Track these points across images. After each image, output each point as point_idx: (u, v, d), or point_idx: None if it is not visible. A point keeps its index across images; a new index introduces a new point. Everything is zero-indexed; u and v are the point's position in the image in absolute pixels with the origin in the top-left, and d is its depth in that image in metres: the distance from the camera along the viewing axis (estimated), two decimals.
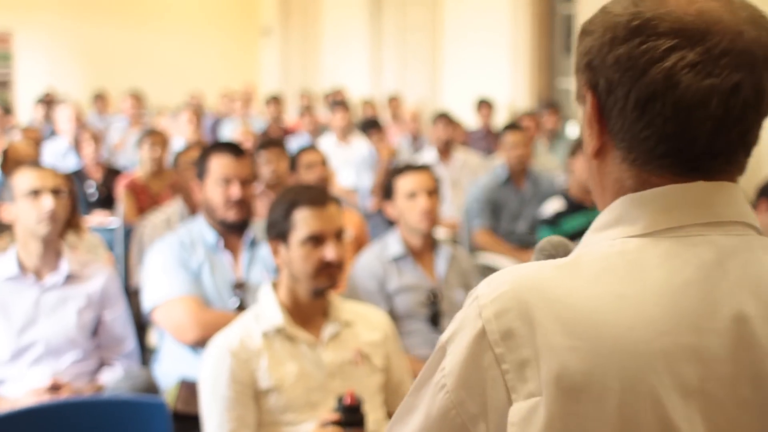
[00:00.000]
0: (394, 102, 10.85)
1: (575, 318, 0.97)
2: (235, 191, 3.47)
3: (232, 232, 3.54)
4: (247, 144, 6.30)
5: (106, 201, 6.38)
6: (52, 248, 3.36)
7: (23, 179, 3.31)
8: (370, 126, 7.71)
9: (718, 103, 1.00)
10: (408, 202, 3.77)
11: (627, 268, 1.01)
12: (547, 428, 0.95)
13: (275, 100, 10.07)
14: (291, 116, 12.18)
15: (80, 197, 6.08)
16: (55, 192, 3.32)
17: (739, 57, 1.00)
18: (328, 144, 8.23)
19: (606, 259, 1.03)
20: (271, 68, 16.33)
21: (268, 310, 2.69)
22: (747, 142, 1.06)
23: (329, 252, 2.68)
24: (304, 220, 2.69)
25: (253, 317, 2.69)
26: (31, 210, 3.26)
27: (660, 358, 0.97)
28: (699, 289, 1.00)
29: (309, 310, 2.74)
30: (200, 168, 3.56)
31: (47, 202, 3.26)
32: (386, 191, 3.86)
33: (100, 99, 12.21)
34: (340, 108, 8.38)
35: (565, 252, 1.27)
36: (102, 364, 3.42)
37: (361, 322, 2.82)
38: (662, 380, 0.96)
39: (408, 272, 3.79)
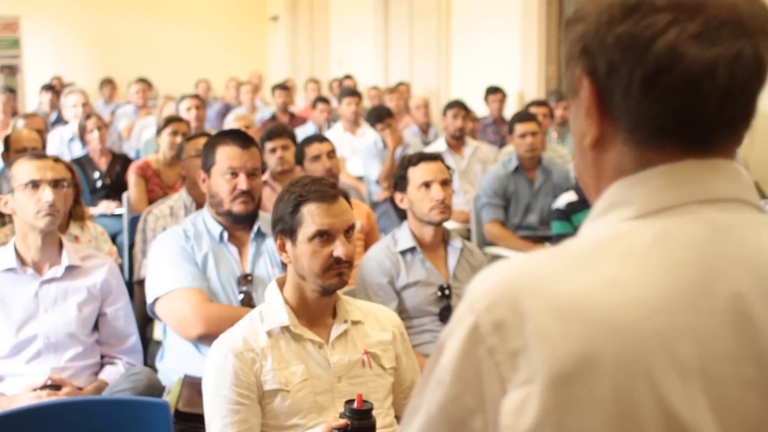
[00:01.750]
0: (402, 90, 10.72)
1: (566, 304, 0.95)
2: (242, 183, 3.37)
3: (239, 224, 3.44)
4: (249, 132, 6.16)
5: (112, 188, 6.29)
6: (52, 241, 3.28)
7: (22, 170, 3.22)
8: (383, 114, 7.54)
9: (724, 72, 0.99)
10: (421, 193, 3.66)
11: (619, 252, 0.99)
12: (540, 415, 0.93)
13: (282, 88, 9.95)
14: (299, 105, 12.06)
15: (85, 185, 6.00)
16: (56, 183, 3.23)
17: (738, 27, 1.00)
18: (335, 133, 8.13)
19: (597, 244, 1.01)
20: (279, 56, 16.23)
21: (273, 308, 2.59)
22: (748, 113, 1.05)
23: (338, 249, 2.57)
24: (311, 216, 2.57)
25: (258, 316, 2.59)
26: (30, 202, 3.18)
27: (654, 339, 0.94)
28: (693, 268, 0.98)
29: (316, 309, 2.63)
30: (206, 158, 3.45)
31: (47, 194, 3.17)
32: (398, 181, 3.75)
33: (107, 86, 12.11)
34: (351, 96, 8.26)
35: None
36: (104, 360, 3.34)
37: (370, 321, 2.72)
38: (658, 361, 0.93)
39: (418, 267, 3.68)
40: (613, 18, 1.02)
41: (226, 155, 3.39)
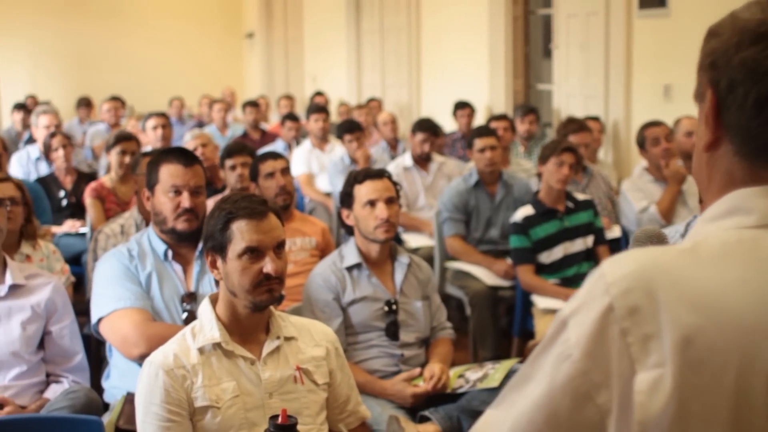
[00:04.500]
0: (373, 106, 10.75)
1: (700, 298, 1.05)
2: (185, 200, 3.38)
3: (183, 242, 3.44)
4: (205, 150, 6.20)
5: (77, 207, 6.29)
6: None
7: None
8: (353, 127, 7.54)
9: None
10: (366, 211, 3.67)
11: (746, 256, 1.09)
12: (672, 396, 1.02)
13: (253, 105, 9.99)
14: (273, 121, 12.08)
15: (50, 204, 6.01)
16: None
17: None
18: (304, 149, 8.16)
19: (725, 246, 1.11)
20: (255, 73, 16.25)
21: (205, 325, 2.61)
22: None
23: (268, 265, 2.59)
24: (241, 232, 2.59)
25: (190, 332, 2.61)
26: None
27: None
28: None
29: (248, 326, 2.65)
30: (149, 176, 3.46)
31: None
32: (344, 198, 3.77)
33: (83, 105, 12.11)
34: (318, 113, 8.29)
35: (658, 241, 1.54)
36: (50, 378, 3.35)
37: (304, 337, 2.74)
38: None
39: (364, 282, 3.69)
40: (742, 42, 1.13)
41: (169, 173, 3.40)
